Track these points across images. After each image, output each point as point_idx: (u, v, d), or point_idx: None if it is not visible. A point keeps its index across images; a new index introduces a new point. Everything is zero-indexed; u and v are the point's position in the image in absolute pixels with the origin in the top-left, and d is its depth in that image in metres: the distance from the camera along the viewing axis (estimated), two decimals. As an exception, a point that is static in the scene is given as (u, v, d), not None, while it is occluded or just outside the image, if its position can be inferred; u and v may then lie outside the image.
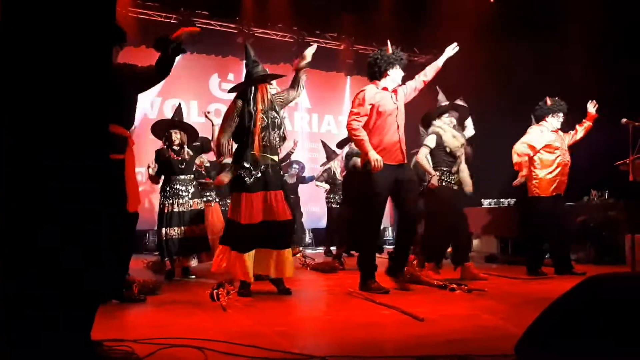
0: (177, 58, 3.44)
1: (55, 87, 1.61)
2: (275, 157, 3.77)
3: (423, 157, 4.67)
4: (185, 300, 3.55)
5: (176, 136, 5.03)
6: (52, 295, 1.60)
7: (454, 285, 3.83)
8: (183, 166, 5.03)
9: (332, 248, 7.42)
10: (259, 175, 3.64)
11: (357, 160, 5.49)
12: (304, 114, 10.52)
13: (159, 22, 9.08)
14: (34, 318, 1.57)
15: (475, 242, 7.17)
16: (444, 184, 4.63)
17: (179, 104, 5.57)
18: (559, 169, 4.86)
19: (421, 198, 4.87)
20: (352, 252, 6.54)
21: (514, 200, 6.82)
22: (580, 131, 5.08)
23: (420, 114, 5.00)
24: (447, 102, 4.86)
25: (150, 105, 9.18)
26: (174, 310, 3.21)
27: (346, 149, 6.15)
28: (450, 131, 4.66)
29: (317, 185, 7.73)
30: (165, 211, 4.92)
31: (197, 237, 4.99)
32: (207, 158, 6.21)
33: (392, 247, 4.19)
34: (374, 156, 3.72)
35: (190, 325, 2.66)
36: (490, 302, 3.32)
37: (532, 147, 4.88)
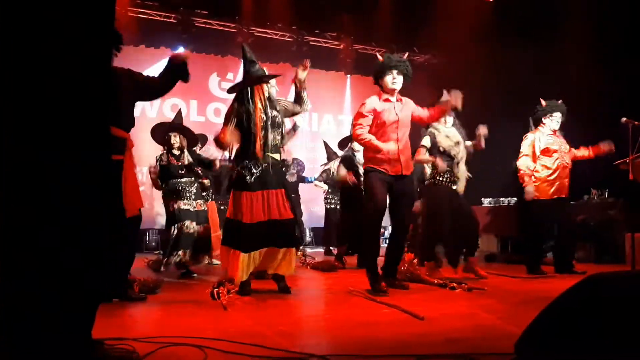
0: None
1: (55, 87, 1.61)
2: (277, 156, 3.77)
3: (421, 155, 4.68)
4: (185, 299, 3.55)
5: (175, 139, 5.04)
6: (52, 295, 1.60)
7: (454, 284, 3.84)
8: (183, 171, 5.07)
9: (331, 248, 7.44)
10: (260, 174, 3.65)
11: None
12: (304, 113, 10.51)
13: (159, 22, 9.08)
14: (34, 318, 1.57)
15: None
16: (440, 183, 4.64)
17: (179, 109, 5.60)
18: (557, 172, 4.86)
19: (421, 197, 4.89)
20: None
21: (515, 199, 6.83)
22: (579, 152, 5.08)
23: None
24: None
25: (150, 104, 9.18)
26: (174, 309, 3.21)
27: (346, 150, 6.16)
28: (444, 131, 4.65)
29: (315, 185, 7.74)
30: (172, 209, 4.97)
31: (204, 237, 5.03)
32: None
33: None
34: (386, 147, 3.70)
35: (190, 324, 2.66)
36: (490, 301, 3.33)
37: (533, 157, 4.89)
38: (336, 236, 6.50)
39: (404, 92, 4.06)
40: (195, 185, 5.14)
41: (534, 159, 4.89)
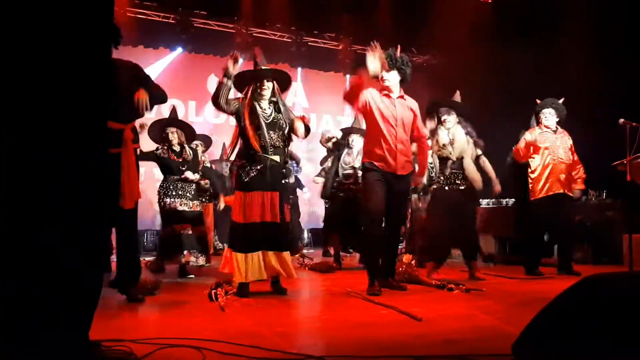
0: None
1: (55, 87, 1.62)
2: (277, 158, 3.72)
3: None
4: (183, 300, 3.55)
5: (173, 135, 4.96)
6: (52, 295, 1.61)
7: (452, 285, 3.84)
8: (184, 168, 4.97)
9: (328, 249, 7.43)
10: (256, 174, 3.63)
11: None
12: (302, 114, 10.51)
13: (157, 22, 9.08)
14: (34, 318, 1.58)
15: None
16: (443, 184, 4.65)
17: (173, 106, 5.51)
18: (548, 169, 4.89)
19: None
20: (351, 250, 6.57)
21: (512, 200, 6.83)
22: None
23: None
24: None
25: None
26: (172, 310, 3.21)
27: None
28: (440, 132, 4.66)
29: (314, 182, 7.73)
30: (168, 209, 4.87)
31: (198, 237, 4.98)
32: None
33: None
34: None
35: (188, 325, 2.66)
36: (487, 302, 3.33)
37: (526, 148, 4.95)
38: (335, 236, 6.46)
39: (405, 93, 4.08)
40: (193, 186, 5.09)
41: (527, 150, 4.94)
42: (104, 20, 1.77)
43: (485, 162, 4.80)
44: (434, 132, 4.70)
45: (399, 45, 4.10)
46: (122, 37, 3.42)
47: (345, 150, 5.89)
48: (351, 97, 3.80)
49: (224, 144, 7.74)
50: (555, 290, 1.87)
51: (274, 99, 3.78)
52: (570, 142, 5.07)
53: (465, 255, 4.72)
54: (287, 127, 3.78)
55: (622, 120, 4.50)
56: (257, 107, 3.68)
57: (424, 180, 5.49)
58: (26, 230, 1.58)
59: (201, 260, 4.98)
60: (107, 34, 1.83)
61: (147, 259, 5.86)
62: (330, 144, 6.20)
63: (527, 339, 1.79)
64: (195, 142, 5.53)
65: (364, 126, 6.40)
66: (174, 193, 4.91)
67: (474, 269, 4.58)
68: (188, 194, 4.97)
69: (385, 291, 3.73)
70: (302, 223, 9.09)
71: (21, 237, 1.57)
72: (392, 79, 3.93)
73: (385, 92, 3.92)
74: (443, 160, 4.67)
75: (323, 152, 7.79)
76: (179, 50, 9.58)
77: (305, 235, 9.87)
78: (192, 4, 9.11)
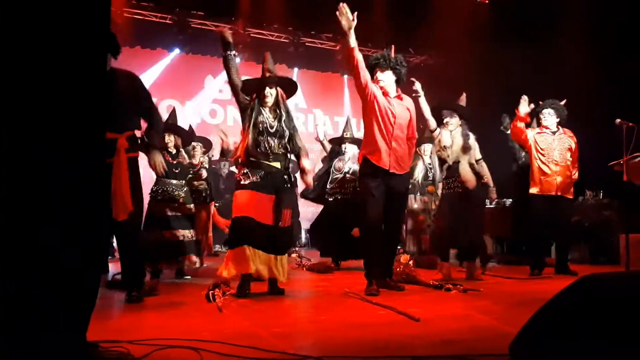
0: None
1: (55, 87, 1.62)
2: (277, 164, 3.71)
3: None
4: (181, 301, 3.54)
5: (170, 139, 4.98)
6: (52, 295, 1.61)
7: (450, 285, 3.85)
8: (177, 170, 4.97)
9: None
10: (256, 179, 3.64)
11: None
12: (300, 115, 10.53)
13: (154, 23, 9.07)
14: (34, 318, 1.58)
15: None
16: (448, 187, 4.72)
17: (173, 108, 5.54)
18: (545, 169, 4.91)
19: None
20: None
21: (510, 200, 6.85)
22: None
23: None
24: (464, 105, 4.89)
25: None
26: (169, 311, 3.21)
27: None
28: (443, 133, 4.69)
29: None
30: (156, 215, 4.81)
31: (189, 241, 4.94)
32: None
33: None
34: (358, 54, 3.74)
35: (186, 326, 2.66)
36: (485, 302, 3.34)
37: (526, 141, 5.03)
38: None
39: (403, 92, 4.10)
40: (185, 189, 5.04)
41: (527, 140, 4.99)
42: (101, 21, 1.77)
43: (483, 166, 4.81)
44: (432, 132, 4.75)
45: (393, 46, 4.13)
46: (120, 49, 3.44)
47: (338, 157, 5.99)
48: (348, 59, 3.80)
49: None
50: (553, 290, 1.88)
51: (278, 106, 3.78)
52: (570, 143, 5.06)
53: (461, 256, 4.73)
54: (289, 135, 3.77)
55: (618, 120, 4.52)
56: (261, 114, 3.70)
57: (420, 179, 5.60)
58: (26, 230, 1.58)
59: (197, 263, 4.97)
60: (104, 34, 1.83)
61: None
62: (327, 147, 6.24)
63: (524, 338, 1.79)
64: (194, 143, 5.51)
65: (355, 131, 6.47)
66: (166, 197, 4.87)
67: (471, 270, 4.60)
68: (179, 197, 4.93)
69: (383, 291, 3.74)
70: (300, 223, 9.12)
71: (21, 237, 1.57)
72: (387, 79, 3.95)
73: (382, 91, 3.94)
74: (441, 162, 4.71)
75: (323, 152, 7.80)
76: (176, 51, 9.58)
77: (303, 235, 9.88)
78: (189, 5, 9.12)
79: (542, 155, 4.95)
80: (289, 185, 3.77)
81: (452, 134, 4.69)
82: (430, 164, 6.59)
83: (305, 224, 9.64)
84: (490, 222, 6.90)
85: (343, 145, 6.06)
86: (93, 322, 1.78)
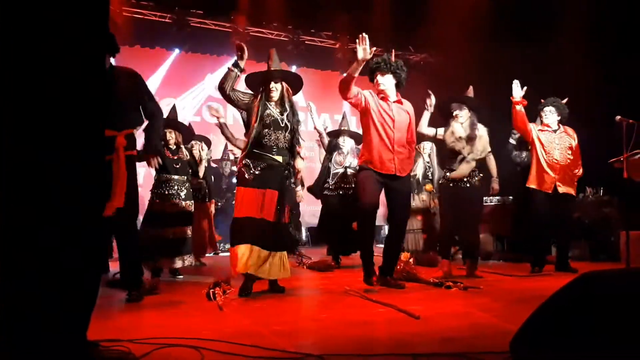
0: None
1: (55, 87, 1.62)
2: (279, 158, 3.73)
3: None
4: (181, 300, 3.55)
5: (170, 135, 4.99)
6: (52, 295, 1.61)
7: (450, 283, 3.85)
8: (178, 166, 4.96)
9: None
10: (257, 172, 3.65)
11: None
12: (299, 113, 10.51)
13: (154, 22, 9.07)
14: (34, 318, 1.58)
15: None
16: (448, 181, 4.70)
17: (174, 105, 5.53)
18: (544, 166, 4.92)
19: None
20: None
21: (511, 198, 6.84)
22: None
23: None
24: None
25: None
26: (170, 309, 3.21)
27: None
28: (455, 125, 4.69)
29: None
30: (155, 211, 4.82)
31: (186, 239, 4.95)
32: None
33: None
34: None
35: (186, 325, 2.66)
36: (485, 300, 3.34)
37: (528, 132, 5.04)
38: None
39: (402, 92, 4.10)
40: (187, 185, 5.06)
41: (530, 132, 4.99)
42: (101, 20, 1.77)
43: (491, 159, 4.89)
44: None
45: (393, 50, 4.19)
46: (118, 48, 3.45)
47: (337, 151, 5.98)
48: (344, 86, 3.79)
49: (226, 145, 7.73)
50: (553, 287, 1.88)
51: (283, 101, 3.79)
52: (571, 141, 5.05)
53: (464, 253, 4.74)
54: (293, 130, 3.79)
55: (618, 117, 4.52)
56: (266, 107, 3.71)
57: (420, 177, 5.63)
58: (26, 230, 1.58)
59: (187, 262, 4.96)
60: (103, 34, 1.83)
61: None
62: (326, 140, 6.22)
63: (524, 336, 1.80)
64: (193, 141, 5.50)
65: (352, 126, 6.46)
66: (165, 193, 4.87)
67: (472, 267, 4.60)
68: (180, 193, 4.94)
69: (383, 289, 3.74)
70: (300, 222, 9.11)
71: (21, 237, 1.58)
72: (388, 82, 3.96)
73: (382, 95, 3.94)
74: (453, 154, 4.66)
75: (318, 151, 7.79)
76: (176, 51, 9.57)
77: (304, 233, 9.88)
78: (189, 3, 9.11)
79: (545, 152, 4.95)
80: (290, 181, 3.79)
81: (463, 126, 4.68)
82: (429, 162, 6.58)
83: (305, 223, 9.66)
84: (491, 220, 6.91)
85: (341, 138, 6.03)
86: (93, 322, 1.78)
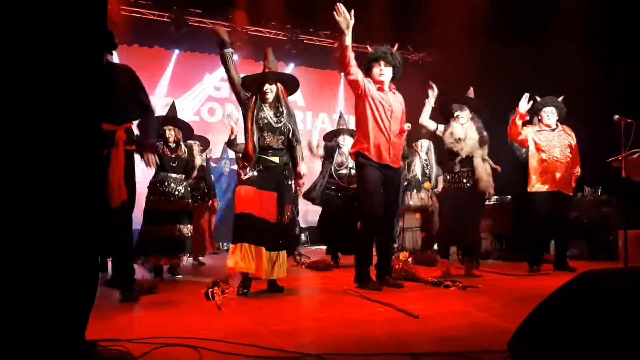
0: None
1: (55, 87, 1.62)
2: (276, 159, 3.73)
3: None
4: (180, 299, 3.55)
5: (170, 133, 4.98)
6: (52, 295, 1.61)
7: (449, 282, 3.85)
8: (175, 164, 4.95)
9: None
10: (255, 173, 3.65)
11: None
12: (298, 112, 10.51)
13: (152, 21, 9.05)
14: (34, 318, 1.58)
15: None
16: (451, 182, 4.71)
17: (173, 102, 5.51)
18: (542, 168, 4.93)
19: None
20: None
21: (509, 197, 6.85)
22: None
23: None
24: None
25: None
26: (169, 309, 3.21)
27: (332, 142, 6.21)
28: (454, 125, 4.67)
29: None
30: (153, 209, 4.81)
31: (184, 237, 4.94)
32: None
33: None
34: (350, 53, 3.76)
35: (185, 325, 2.66)
36: (484, 299, 3.34)
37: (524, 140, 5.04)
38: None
39: (400, 90, 4.12)
40: (184, 184, 5.04)
41: (517, 128, 4.99)
42: (99, 20, 1.77)
43: (488, 162, 4.83)
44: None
45: (396, 44, 4.20)
46: (116, 45, 3.47)
47: (337, 151, 5.95)
48: (342, 57, 3.82)
49: (224, 145, 7.72)
50: (551, 286, 1.88)
51: (278, 102, 3.79)
52: (570, 140, 5.06)
53: (463, 253, 4.74)
54: (289, 132, 3.78)
55: (617, 116, 4.53)
56: (262, 110, 3.71)
57: (419, 175, 5.66)
58: (26, 230, 1.58)
59: (186, 260, 4.95)
60: (102, 33, 1.83)
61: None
62: (320, 151, 6.19)
63: (522, 335, 1.80)
64: (190, 141, 5.49)
65: (350, 125, 6.45)
66: (162, 190, 4.85)
67: (470, 267, 4.60)
68: (177, 192, 4.92)
69: (382, 288, 3.74)
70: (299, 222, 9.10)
71: (21, 237, 1.58)
72: (388, 74, 4.01)
73: (379, 85, 3.96)
74: (452, 155, 4.66)
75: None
76: (176, 52, 9.57)
77: (302, 233, 9.87)
78: (187, 3, 9.09)
79: (543, 152, 4.95)
80: (288, 182, 3.80)
81: (463, 127, 4.67)
82: (426, 160, 6.58)
83: (304, 223, 9.65)
84: (490, 220, 6.91)
85: (341, 137, 6.01)
86: (92, 321, 1.78)
